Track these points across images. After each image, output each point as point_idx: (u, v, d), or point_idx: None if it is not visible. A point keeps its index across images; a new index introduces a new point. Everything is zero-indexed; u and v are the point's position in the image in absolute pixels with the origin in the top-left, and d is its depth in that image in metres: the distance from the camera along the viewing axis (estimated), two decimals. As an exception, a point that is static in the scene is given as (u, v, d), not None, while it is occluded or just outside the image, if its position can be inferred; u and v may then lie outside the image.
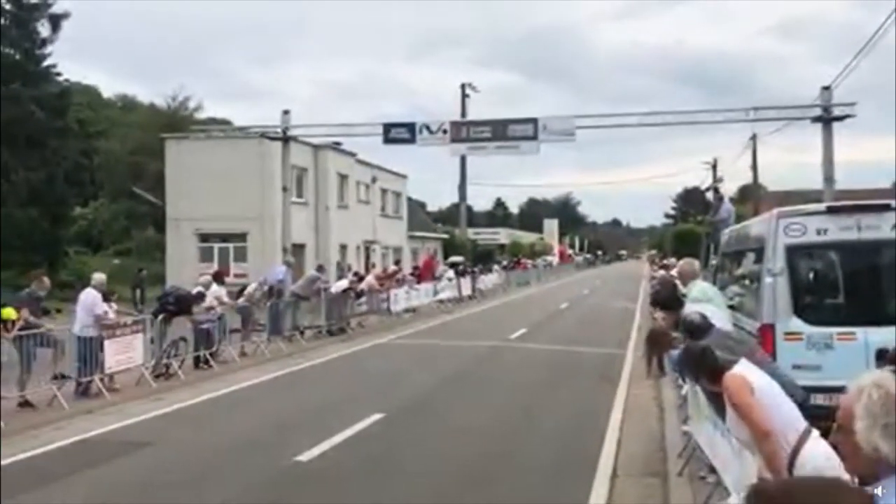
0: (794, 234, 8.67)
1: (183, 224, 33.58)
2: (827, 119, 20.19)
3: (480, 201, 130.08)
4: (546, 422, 11.15)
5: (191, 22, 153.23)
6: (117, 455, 9.31)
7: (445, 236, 59.05)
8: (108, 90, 64.22)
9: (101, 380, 12.72)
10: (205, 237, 33.81)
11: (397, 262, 36.08)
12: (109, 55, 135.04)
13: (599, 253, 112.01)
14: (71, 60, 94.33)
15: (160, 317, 14.79)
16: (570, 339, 20.87)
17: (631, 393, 12.79)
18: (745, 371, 4.73)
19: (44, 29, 34.87)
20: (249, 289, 18.94)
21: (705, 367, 4.99)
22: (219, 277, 17.87)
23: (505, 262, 56.12)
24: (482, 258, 56.33)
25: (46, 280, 13.26)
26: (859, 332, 7.95)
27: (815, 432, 4.37)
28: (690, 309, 7.33)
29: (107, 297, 13.64)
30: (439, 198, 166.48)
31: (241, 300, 18.05)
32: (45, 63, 35.52)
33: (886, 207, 8.65)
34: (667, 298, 8.83)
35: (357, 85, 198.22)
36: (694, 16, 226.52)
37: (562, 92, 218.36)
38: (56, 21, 34.94)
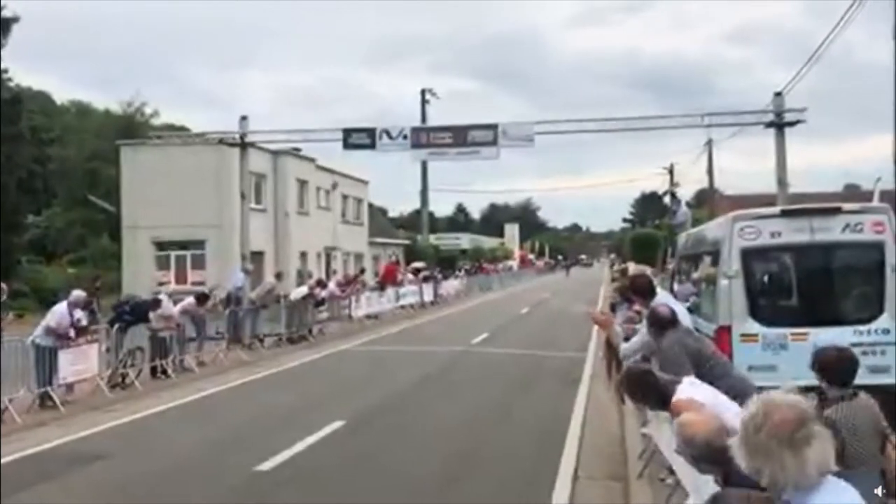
0: (749, 237, 8.84)
1: (139, 232, 33.02)
2: (779, 124, 20.59)
3: (442, 207, 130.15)
4: (507, 426, 11.17)
5: (146, 26, 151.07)
6: (70, 468, 9.10)
7: (407, 242, 58.94)
8: (61, 96, 62.65)
9: (57, 390, 12.45)
10: (162, 245, 33.27)
11: (362, 271, 35.88)
12: (62, 60, 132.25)
13: (560, 257, 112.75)
14: (21, 66, 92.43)
15: (116, 326, 14.53)
16: (531, 343, 20.94)
17: (591, 396, 12.88)
18: (691, 392, 4.72)
19: (-8, 33, 34.09)
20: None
21: (648, 391, 4.85)
22: (202, 301, 17.40)
23: (467, 267, 56.22)
24: (444, 263, 56.33)
25: (3, 286, 13.07)
26: (812, 332, 8.09)
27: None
28: (658, 302, 7.37)
29: (87, 306, 13.84)
30: (401, 204, 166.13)
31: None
32: (-5, 68, 34.71)
33: (838, 210, 8.86)
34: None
35: (317, 91, 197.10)
36: (652, 23, 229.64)
37: (522, 98, 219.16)
38: (5, 25, 34.20)
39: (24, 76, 68.22)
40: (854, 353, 5.03)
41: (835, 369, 4.75)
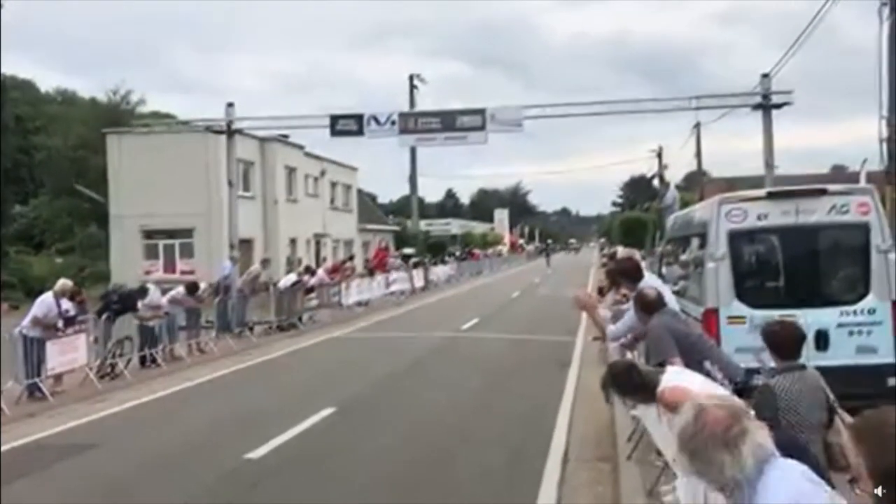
0: (735, 220, 8.85)
1: (127, 221, 32.88)
2: (766, 106, 20.56)
3: (432, 193, 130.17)
4: (498, 410, 11.21)
5: (131, 13, 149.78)
6: (60, 459, 9.09)
7: (397, 228, 58.91)
8: (46, 84, 62.02)
9: (45, 381, 12.40)
10: (150, 234, 33.16)
11: (351, 258, 35.83)
12: (46, 48, 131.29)
13: (549, 242, 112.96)
14: (4, 54, 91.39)
15: (104, 316, 14.47)
16: (521, 327, 20.99)
17: (581, 378, 12.92)
18: (677, 380, 4.72)
19: (-25, 22, 33.68)
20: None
21: (632, 386, 4.79)
22: (193, 290, 17.38)
23: (457, 253, 56.31)
24: (434, 249, 56.35)
25: None
26: (799, 314, 8.13)
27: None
28: (645, 284, 7.38)
29: (75, 296, 13.68)
30: (390, 190, 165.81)
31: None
32: (-22, 57, 34.37)
33: (823, 192, 8.88)
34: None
35: (304, 77, 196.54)
36: (641, 5, 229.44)
37: (512, 82, 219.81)
38: (-12, 13, 33.79)
39: (6, 65, 67.50)
40: (799, 326, 5.13)
41: (779, 342, 4.87)
